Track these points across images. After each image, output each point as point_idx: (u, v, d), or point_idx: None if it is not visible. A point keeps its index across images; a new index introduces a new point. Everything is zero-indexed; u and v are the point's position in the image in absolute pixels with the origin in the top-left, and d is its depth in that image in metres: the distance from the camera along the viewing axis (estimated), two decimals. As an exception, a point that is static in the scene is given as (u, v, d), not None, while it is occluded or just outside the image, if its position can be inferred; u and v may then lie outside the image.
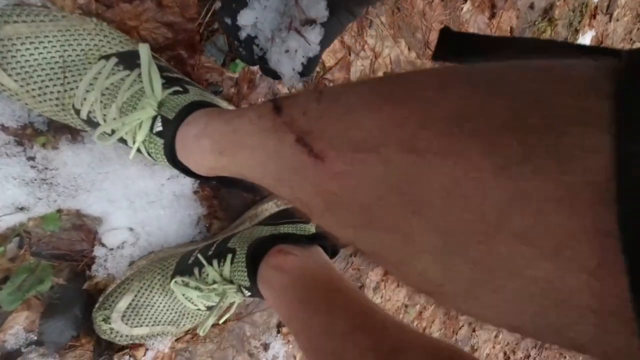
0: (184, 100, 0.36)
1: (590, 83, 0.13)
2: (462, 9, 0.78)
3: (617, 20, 1.31)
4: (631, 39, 1.47)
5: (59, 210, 0.43)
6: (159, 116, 0.34)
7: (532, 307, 0.14)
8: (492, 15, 0.85)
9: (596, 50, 0.16)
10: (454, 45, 0.21)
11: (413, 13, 0.70)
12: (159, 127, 0.34)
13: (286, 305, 0.37)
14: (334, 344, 0.31)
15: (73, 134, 0.42)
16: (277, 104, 0.25)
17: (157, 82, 0.35)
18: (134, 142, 0.35)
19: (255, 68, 0.51)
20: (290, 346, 0.65)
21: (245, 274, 0.43)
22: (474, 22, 0.82)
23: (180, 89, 0.37)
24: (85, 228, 0.45)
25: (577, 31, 1.07)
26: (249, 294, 0.44)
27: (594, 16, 1.13)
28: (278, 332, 0.64)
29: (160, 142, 0.34)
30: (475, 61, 0.19)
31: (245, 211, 0.56)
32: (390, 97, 0.18)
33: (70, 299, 0.44)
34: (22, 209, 0.40)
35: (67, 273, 0.45)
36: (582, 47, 0.19)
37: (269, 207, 0.55)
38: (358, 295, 0.36)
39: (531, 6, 0.92)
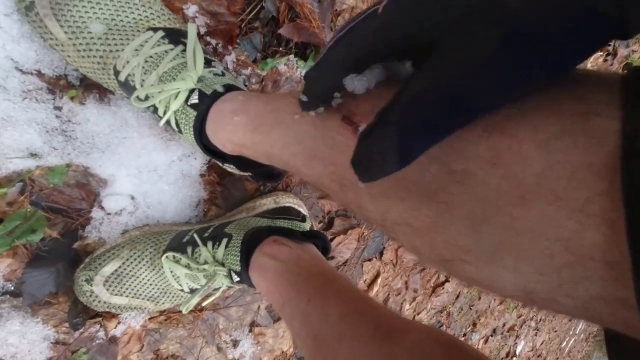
0: (222, 80, 0.38)
1: (607, 82, 0.17)
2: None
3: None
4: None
5: (69, 165, 0.43)
6: (197, 90, 0.36)
7: (551, 267, 0.16)
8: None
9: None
10: None
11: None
12: (194, 99, 0.36)
13: (280, 291, 0.38)
14: (330, 328, 0.32)
15: (102, 94, 0.43)
16: None
17: (200, 59, 0.37)
18: (164, 112, 0.37)
19: (283, 68, 0.54)
20: (259, 348, 0.65)
21: (238, 258, 0.44)
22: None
23: (218, 70, 0.39)
24: (88, 188, 0.46)
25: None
26: (237, 279, 0.44)
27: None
28: (250, 331, 0.63)
29: (192, 113, 0.36)
30: None
31: (244, 203, 0.57)
32: None
33: (57, 253, 0.44)
34: (34, 155, 0.41)
35: (60, 228, 0.45)
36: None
37: (267, 203, 0.56)
38: (351, 285, 0.38)
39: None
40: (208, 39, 0.48)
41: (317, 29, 0.54)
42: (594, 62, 1.16)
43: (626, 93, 0.15)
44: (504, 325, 1.64)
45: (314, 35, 0.54)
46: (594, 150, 0.15)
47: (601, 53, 1.15)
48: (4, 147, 0.38)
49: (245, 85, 0.52)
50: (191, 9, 0.46)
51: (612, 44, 1.20)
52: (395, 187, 0.21)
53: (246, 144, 0.34)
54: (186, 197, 0.52)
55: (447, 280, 1.09)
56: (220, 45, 0.49)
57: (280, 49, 0.53)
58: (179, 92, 0.36)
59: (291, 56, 0.53)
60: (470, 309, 1.31)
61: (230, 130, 0.34)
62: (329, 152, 0.25)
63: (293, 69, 0.55)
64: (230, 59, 0.50)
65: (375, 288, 0.85)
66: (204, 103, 0.36)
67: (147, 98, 0.38)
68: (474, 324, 1.37)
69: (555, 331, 2.55)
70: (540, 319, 2.11)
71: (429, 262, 0.22)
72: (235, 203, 0.57)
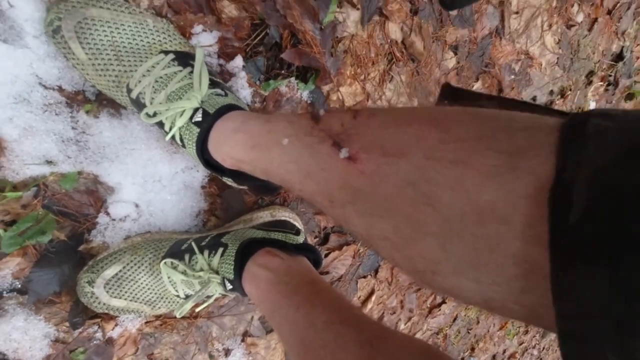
0: (224, 101, 0.41)
1: (548, 126, 0.20)
2: (472, 86, 0.88)
3: (609, 128, 1.43)
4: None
5: (80, 172, 0.47)
6: (201, 109, 0.39)
7: (503, 278, 0.19)
8: (498, 98, 0.94)
9: (551, 110, 0.24)
10: (452, 94, 0.28)
11: (429, 79, 0.79)
12: (198, 117, 0.39)
13: (270, 299, 0.40)
14: (317, 335, 0.34)
15: (115, 108, 0.47)
16: (314, 115, 0.30)
17: (205, 81, 0.41)
18: (170, 127, 0.40)
19: (284, 90, 0.58)
20: (251, 358, 0.66)
21: (232, 267, 0.46)
22: (481, 100, 0.91)
23: (222, 92, 0.43)
24: (96, 195, 0.49)
25: (570, 129, 1.17)
26: (230, 287, 0.46)
27: (588, 120, 1.25)
28: (242, 340, 0.65)
29: (196, 130, 0.39)
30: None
31: (242, 215, 0.60)
32: (417, 119, 0.25)
33: (64, 255, 0.47)
34: (49, 162, 0.44)
35: (68, 231, 0.48)
36: (543, 107, 0.26)
37: (264, 216, 0.59)
38: (338, 295, 0.40)
39: (533, 99, 1.03)
40: (213, 60, 0.52)
41: (318, 54, 0.58)
42: (594, 91, 1.18)
43: (561, 137, 0.19)
44: (504, 352, 1.60)
45: (315, 59, 0.58)
46: (533, 183, 0.18)
47: (601, 83, 1.17)
48: (23, 154, 0.42)
49: (248, 105, 0.56)
50: (201, 35, 0.50)
51: (613, 74, 1.22)
52: (378, 207, 0.24)
53: (245, 160, 0.37)
54: (187, 207, 0.55)
55: (444, 302, 1.09)
56: (226, 65, 0.53)
57: (282, 71, 0.57)
58: (184, 111, 0.39)
59: (292, 79, 0.57)
60: (468, 332, 1.30)
61: (231, 146, 0.37)
62: (321, 172, 0.28)
63: (294, 91, 0.58)
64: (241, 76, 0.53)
65: (369, 305, 0.85)
66: (207, 121, 0.39)
67: (155, 115, 0.41)
68: (472, 349, 1.35)
69: (561, 362, 2.47)
70: (544, 348, 2.06)
71: (406, 272, 0.25)
72: (234, 214, 0.59)
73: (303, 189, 0.30)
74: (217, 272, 0.47)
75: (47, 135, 0.42)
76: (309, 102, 0.60)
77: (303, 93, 0.59)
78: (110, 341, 0.53)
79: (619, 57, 1.20)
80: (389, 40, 0.69)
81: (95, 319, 0.51)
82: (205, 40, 0.50)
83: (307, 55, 0.56)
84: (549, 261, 0.17)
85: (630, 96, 1.39)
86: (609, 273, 0.15)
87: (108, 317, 0.51)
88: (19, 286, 0.45)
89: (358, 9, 0.61)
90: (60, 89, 0.42)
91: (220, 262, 0.48)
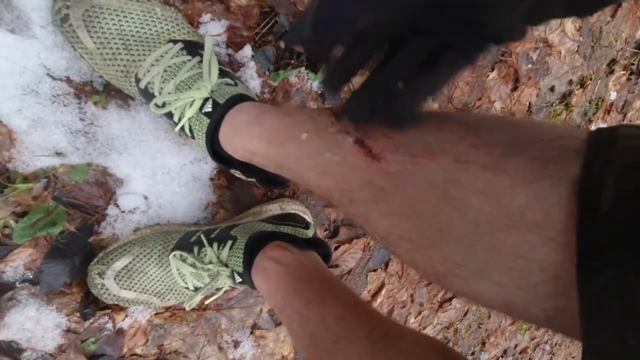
0: (234, 90, 0.40)
1: (577, 138, 0.20)
2: (488, 75, 0.85)
3: (630, 121, 1.38)
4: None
5: (89, 164, 0.46)
6: (211, 99, 0.39)
7: (528, 283, 0.19)
8: (515, 88, 0.91)
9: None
10: None
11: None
12: (208, 108, 0.38)
13: (281, 293, 0.40)
14: (327, 330, 0.33)
15: (123, 99, 0.46)
16: (336, 111, 0.29)
17: (215, 70, 0.40)
18: (179, 118, 0.40)
19: (294, 80, 0.56)
20: (260, 350, 0.66)
21: (241, 260, 0.45)
22: (497, 91, 0.88)
23: (232, 81, 0.42)
24: (105, 186, 0.49)
25: (590, 121, 1.13)
26: (240, 280, 0.46)
27: (608, 111, 1.20)
28: (251, 333, 0.65)
29: (206, 121, 0.38)
30: None
31: (251, 207, 0.59)
32: (448, 122, 0.25)
33: (74, 246, 0.47)
34: (59, 154, 0.44)
35: (78, 223, 0.48)
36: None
37: (273, 209, 0.58)
38: (349, 290, 0.39)
39: (551, 89, 0.99)
40: (222, 49, 0.51)
41: (328, 43, 0.56)
42: (616, 81, 1.14)
43: (589, 149, 0.19)
44: (515, 346, 1.58)
45: (326, 49, 0.56)
46: (566, 191, 0.19)
47: (624, 72, 1.13)
48: (33, 146, 0.42)
49: (258, 96, 0.55)
50: (210, 24, 0.49)
51: (636, 62, 1.17)
52: (403, 207, 0.24)
53: (259, 153, 0.36)
54: (196, 200, 0.55)
55: (454, 296, 1.07)
56: (235, 54, 0.52)
57: (292, 61, 0.55)
58: (194, 101, 0.38)
59: (302, 69, 0.56)
60: (480, 327, 1.28)
61: (246, 139, 0.36)
62: (340, 169, 0.27)
63: (304, 81, 0.57)
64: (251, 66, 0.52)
65: (379, 299, 0.85)
66: (217, 112, 0.38)
67: (164, 105, 0.40)
68: (483, 343, 1.34)
69: (573, 357, 2.44)
70: (556, 343, 2.04)
71: (425, 274, 0.25)
72: (243, 207, 0.59)
73: (320, 185, 0.29)
74: (226, 265, 0.47)
75: (55, 126, 0.42)
76: (319, 92, 0.59)
77: (313, 83, 0.58)
78: (120, 332, 0.53)
79: (643, 45, 1.14)
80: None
81: (105, 310, 0.51)
82: (213, 29, 0.49)
83: (318, 44, 0.55)
84: (576, 267, 0.17)
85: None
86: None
87: (118, 308, 0.52)
88: (31, 277, 0.46)
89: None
90: (68, 80, 0.42)
91: (230, 255, 0.47)
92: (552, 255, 0.18)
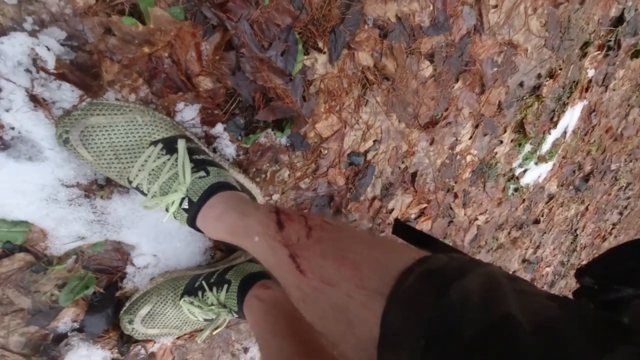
0: (206, 183, 0.50)
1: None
2: (453, 86, 0.90)
3: (614, 89, 1.39)
4: (628, 105, 1.55)
5: (106, 240, 0.58)
6: (187, 197, 0.49)
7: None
8: (482, 92, 0.96)
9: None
10: (402, 229, 0.37)
11: (407, 92, 0.83)
12: (185, 205, 0.49)
13: (259, 325, 0.53)
14: None
15: (123, 187, 0.57)
16: (280, 220, 0.39)
17: (188, 170, 0.49)
18: (167, 211, 0.50)
19: (264, 140, 0.65)
20: (266, 352, 0.81)
21: (236, 302, 0.58)
22: (464, 98, 0.93)
23: (204, 173, 0.51)
24: (121, 251, 0.61)
25: (565, 104, 1.17)
26: (237, 316, 0.59)
27: (586, 89, 1.23)
28: (257, 340, 0.79)
29: (184, 215, 0.49)
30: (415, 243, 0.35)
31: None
32: (348, 259, 0.34)
33: (106, 302, 0.60)
34: (82, 238, 0.56)
35: (105, 283, 0.61)
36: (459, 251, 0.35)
37: (262, 246, 0.70)
38: (311, 330, 0.51)
39: (521, 84, 1.03)
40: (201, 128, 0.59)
41: (290, 104, 0.64)
42: (592, 60, 1.15)
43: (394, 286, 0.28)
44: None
45: (289, 109, 0.64)
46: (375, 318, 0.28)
47: (599, 51, 1.13)
48: (62, 237, 0.53)
49: (234, 158, 0.64)
50: (184, 110, 0.57)
51: (613, 38, 1.17)
52: (317, 311, 0.35)
53: (226, 240, 0.47)
54: (195, 248, 0.67)
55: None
56: (209, 130, 0.61)
57: (260, 124, 0.64)
58: (174, 201, 0.49)
59: (269, 130, 0.64)
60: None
61: (214, 230, 0.47)
62: (281, 273, 0.38)
63: (273, 139, 0.65)
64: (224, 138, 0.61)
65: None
66: (192, 209, 0.48)
67: (153, 205, 0.51)
68: None
69: None
70: None
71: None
72: (235, 247, 0.70)
73: (276, 279, 0.40)
74: (224, 306, 0.60)
75: (75, 221, 0.53)
76: (287, 145, 0.67)
77: (281, 140, 0.66)
78: (152, 355, 0.68)
79: (619, 20, 1.14)
80: (360, 68, 0.73)
81: (138, 342, 0.65)
82: (187, 114, 0.58)
83: (280, 108, 0.63)
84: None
85: (636, 54, 1.33)
86: None
87: (147, 339, 0.66)
88: (77, 327, 0.60)
89: (324, 52, 0.65)
90: (78, 184, 0.52)
91: (227, 297, 0.60)
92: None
